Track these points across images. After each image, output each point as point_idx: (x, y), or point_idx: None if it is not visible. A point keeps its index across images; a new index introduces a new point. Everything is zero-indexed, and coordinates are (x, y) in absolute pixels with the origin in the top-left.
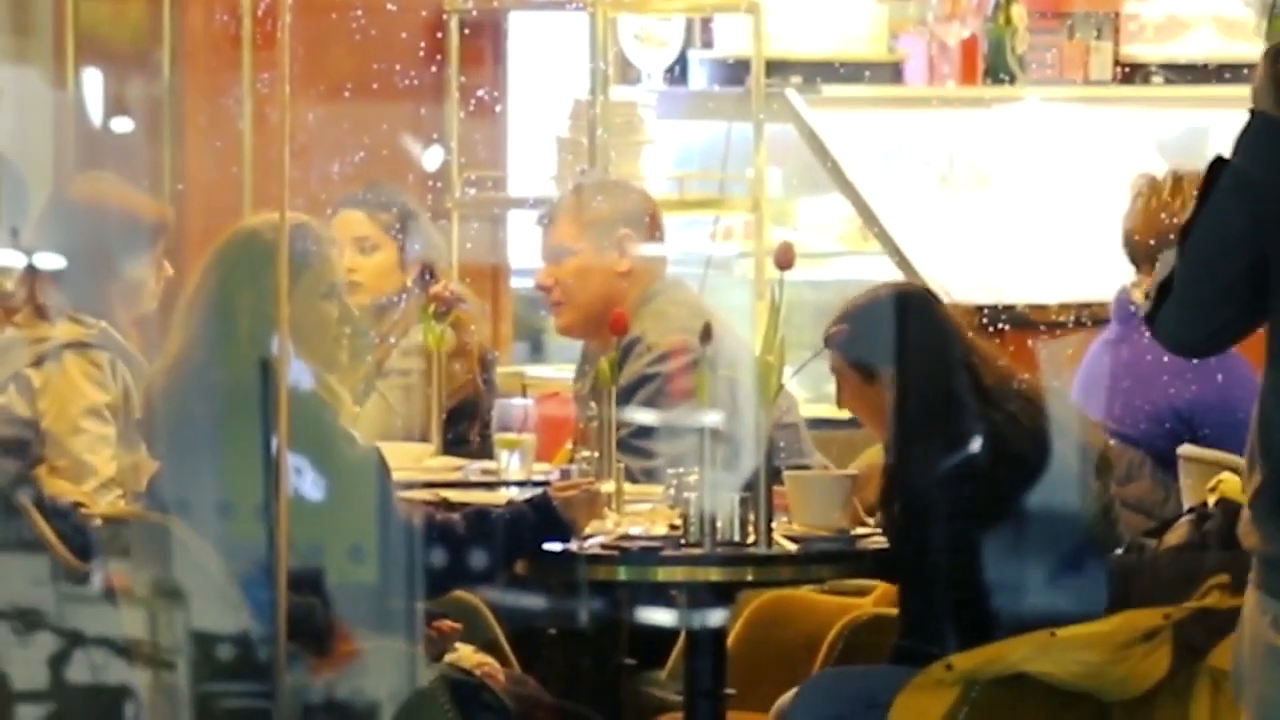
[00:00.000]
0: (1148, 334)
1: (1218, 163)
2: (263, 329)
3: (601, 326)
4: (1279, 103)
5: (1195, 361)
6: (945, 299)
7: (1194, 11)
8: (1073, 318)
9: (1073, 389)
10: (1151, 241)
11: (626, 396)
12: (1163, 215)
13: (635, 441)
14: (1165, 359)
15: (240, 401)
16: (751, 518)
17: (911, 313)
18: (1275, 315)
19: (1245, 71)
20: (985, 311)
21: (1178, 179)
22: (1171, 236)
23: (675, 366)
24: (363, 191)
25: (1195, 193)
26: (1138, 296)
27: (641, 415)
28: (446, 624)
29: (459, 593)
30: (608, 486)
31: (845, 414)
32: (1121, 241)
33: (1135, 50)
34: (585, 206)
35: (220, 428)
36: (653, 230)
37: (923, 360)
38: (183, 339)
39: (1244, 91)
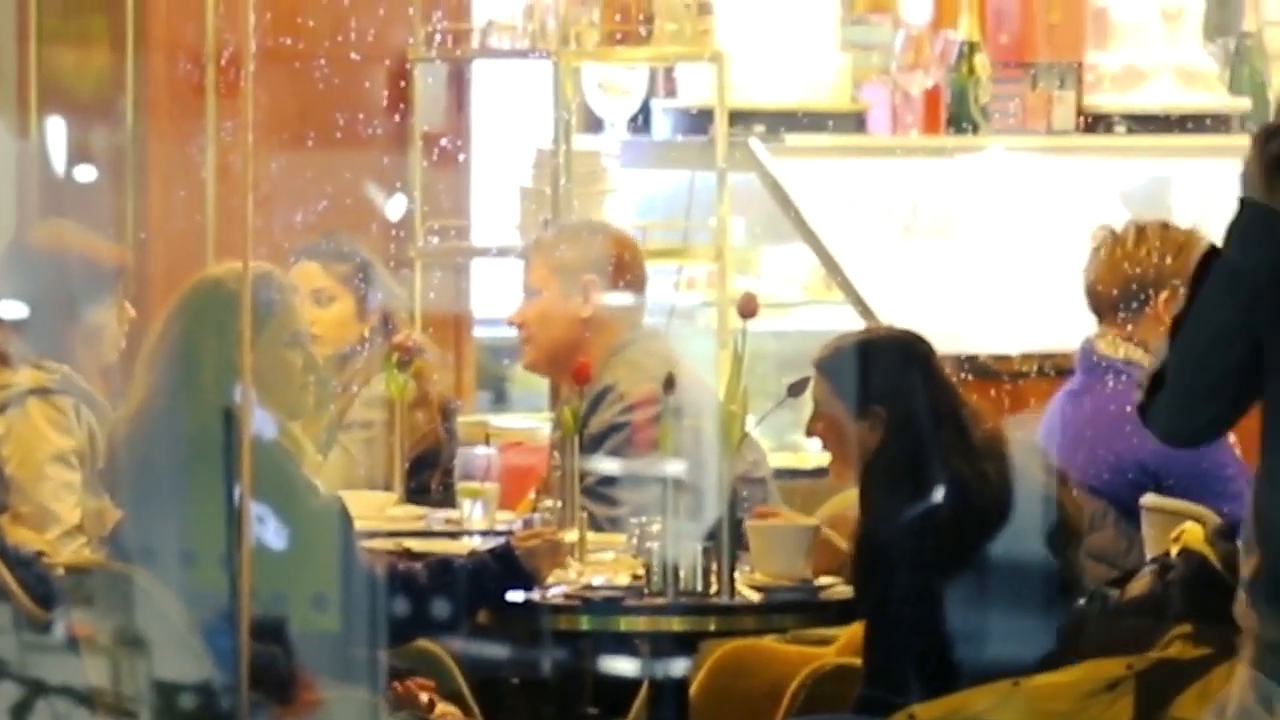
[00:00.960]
0: (1111, 385)
1: (1210, 254)
2: (226, 378)
3: (565, 370)
4: (1270, 189)
5: None
6: None
7: (1156, 62)
8: (1035, 368)
9: (1036, 439)
10: (1114, 292)
11: (595, 444)
12: (1125, 265)
13: (602, 489)
14: (1129, 410)
15: (203, 450)
16: (714, 567)
17: (910, 359)
18: (1270, 401)
19: (1207, 122)
20: (948, 361)
21: (1139, 229)
22: (1134, 286)
23: (643, 416)
24: (319, 242)
25: (1158, 243)
26: (1102, 348)
27: (609, 464)
28: (418, 681)
29: (422, 642)
30: (570, 535)
31: (809, 464)
32: (1084, 292)
33: (1098, 100)
34: (556, 249)
35: (183, 476)
36: (628, 279)
37: (913, 408)
38: (146, 387)
39: (1206, 142)
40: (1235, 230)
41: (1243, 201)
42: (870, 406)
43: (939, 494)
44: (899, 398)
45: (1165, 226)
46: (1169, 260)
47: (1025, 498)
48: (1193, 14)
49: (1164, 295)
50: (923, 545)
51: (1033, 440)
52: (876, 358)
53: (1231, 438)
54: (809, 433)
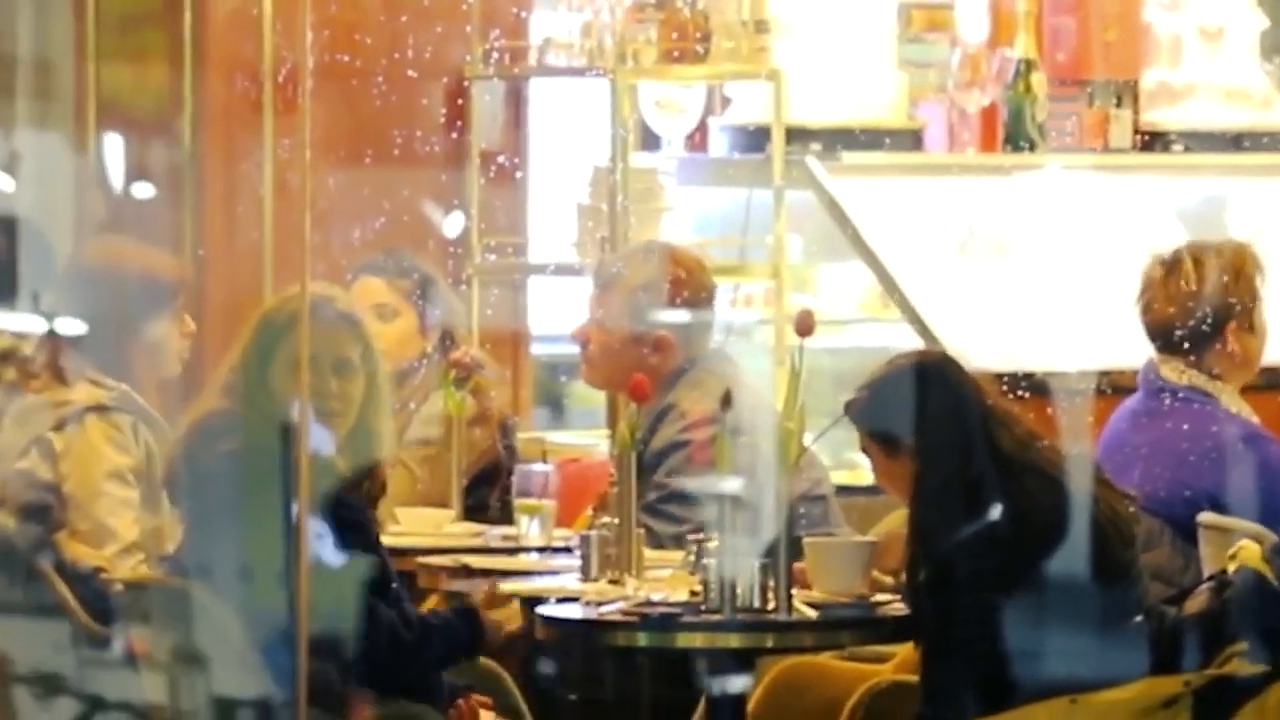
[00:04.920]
0: (1173, 409)
1: None
2: (284, 396)
3: (624, 387)
4: None
5: (1223, 438)
6: (965, 365)
7: (1214, 80)
8: (1092, 385)
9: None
10: (1176, 324)
11: (656, 462)
12: (1184, 296)
13: (661, 506)
14: (1190, 432)
15: (261, 467)
16: (771, 584)
17: (928, 382)
18: None
19: (1264, 140)
20: (1004, 379)
21: (1194, 258)
22: (1197, 316)
23: (703, 434)
24: (381, 258)
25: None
26: (1166, 373)
27: (668, 481)
28: (476, 698)
29: (482, 660)
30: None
31: (866, 480)
32: (1143, 325)
33: (1155, 118)
34: (627, 274)
35: (242, 493)
36: (694, 300)
37: (940, 428)
38: (208, 403)
39: (1263, 160)
40: None
41: None
42: (900, 441)
43: (983, 513)
44: (920, 423)
45: (1218, 250)
46: (1229, 283)
47: (1077, 512)
48: (1239, 32)
49: (1231, 324)
50: (972, 565)
51: (1086, 454)
52: (890, 392)
53: None
54: (876, 480)
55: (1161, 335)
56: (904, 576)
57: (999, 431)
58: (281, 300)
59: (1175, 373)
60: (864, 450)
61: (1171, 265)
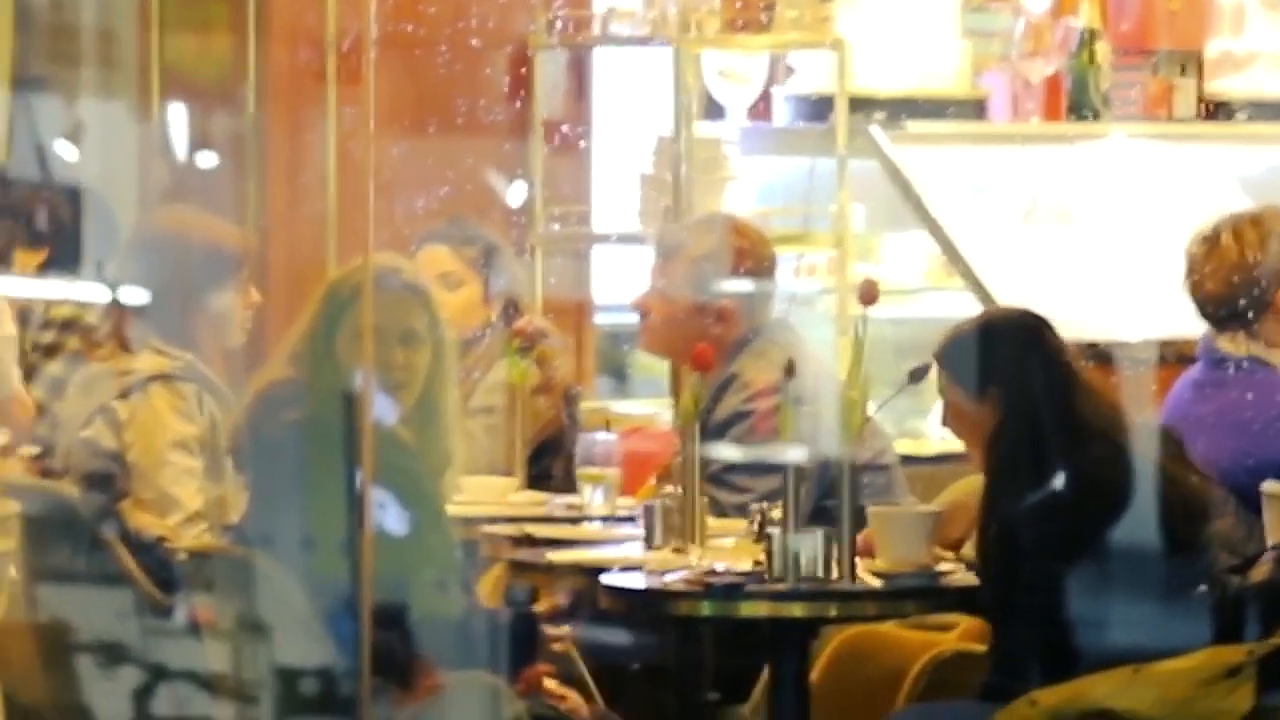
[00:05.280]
0: (1235, 379)
1: None
2: (348, 365)
3: (686, 356)
4: None
5: None
6: None
7: (1262, 48)
8: (1156, 354)
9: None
10: (1226, 299)
11: (720, 431)
12: (1230, 271)
13: (726, 476)
14: (1254, 402)
15: (325, 437)
16: (835, 553)
17: (1023, 339)
18: None
19: None
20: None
21: (1234, 231)
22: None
23: (767, 404)
24: (445, 227)
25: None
26: (1223, 345)
27: (732, 450)
28: (540, 667)
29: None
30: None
31: (930, 450)
32: (1194, 302)
33: (1219, 87)
34: (689, 244)
35: (305, 462)
36: (757, 270)
37: (1025, 384)
38: (273, 373)
39: None
40: None
41: None
42: (986, 389)
43: (1058, 475)
44: (1013, 377)
45: (1254, 219)
46: (1274, 250)
47: (1146, 480)
48: None
49: (1278, 291)
50: (1045, 527)
51: (1155, 423)
52: (989, 340)
53: None
54: (943, 423)
55: (1212, 311)
56: (975, 534)
57: (1083, 398)
58: (349, 270)
59: (1233, 344)
60: (941, 393)
61: (1212, 241)
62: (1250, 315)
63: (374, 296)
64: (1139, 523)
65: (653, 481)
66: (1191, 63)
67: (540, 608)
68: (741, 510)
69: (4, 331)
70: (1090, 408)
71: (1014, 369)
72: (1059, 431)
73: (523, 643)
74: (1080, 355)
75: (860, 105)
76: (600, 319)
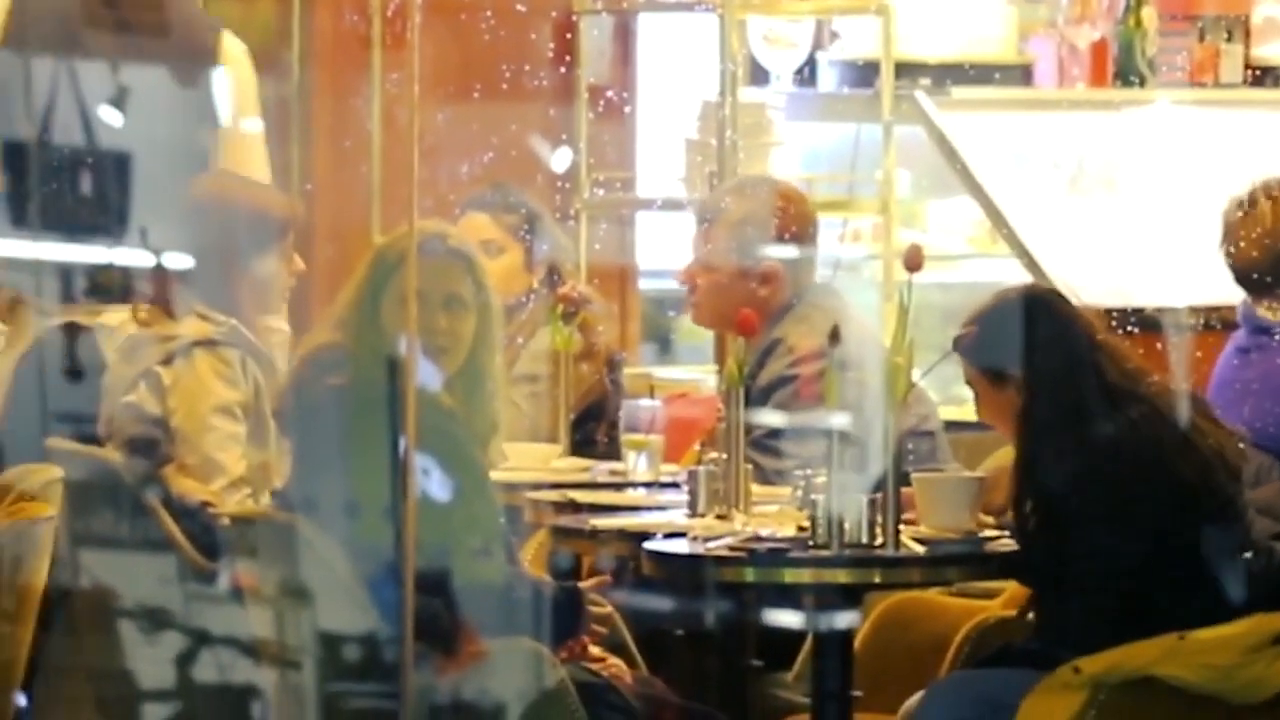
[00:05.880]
0: (1277, 345)
1: None
2: (393, 330)
3: (733, 324)
4: None
5: None
6: (1073, 301)
7: None
8: (1202, 321)
9: (1207, 392)
10: (1262, 266)
11: (763, 397)
12: (1266, 237)
13: (769, 442)
14: None
15: (369, 402)
16: (879, 519)
17: (1034, 315)
18: None
19: None
20: (1114, 315)
21: (1270, 196)
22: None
23: (810, 370)
24: (488, 193)
25: None
26: (1261, 312)
27: (775, 417)
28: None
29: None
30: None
31: (974, 416)
32: (1230, 270)
33: (1266, 53)
34: (730, 209)
35: (348, 428)
36: (800, 234)
37: (1047, 362)
38: (322, 337)
39: None
40: None
41: None
42: (1006, 373)
43: (1089, 445)
44: (1027, 356)
45: None
46: None
47: (1182, 445)
48: None
49: None
50: (1080, 497)
51: (1190, 389)
52: (997, 325)
53: None
54: (978, 415)
55: (1248, 278)
56: (1010, 512)
57: (1105, 364)
58: (396, 236)
59: (1270, 311)
60: (969, 384)
61: (1248, 207)
62: None
63: (419, 262)
64: (1178, 487)
65: (696, 447)
66: (1238, 28)
67: (585, 584)
68: (785, 476)
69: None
70: (1116, 374)
71: (1028, 348)
72: (1087, 400)
73: (566, 612)
74: (1103, 322)
75: (906, 71)
76: (644, 285)
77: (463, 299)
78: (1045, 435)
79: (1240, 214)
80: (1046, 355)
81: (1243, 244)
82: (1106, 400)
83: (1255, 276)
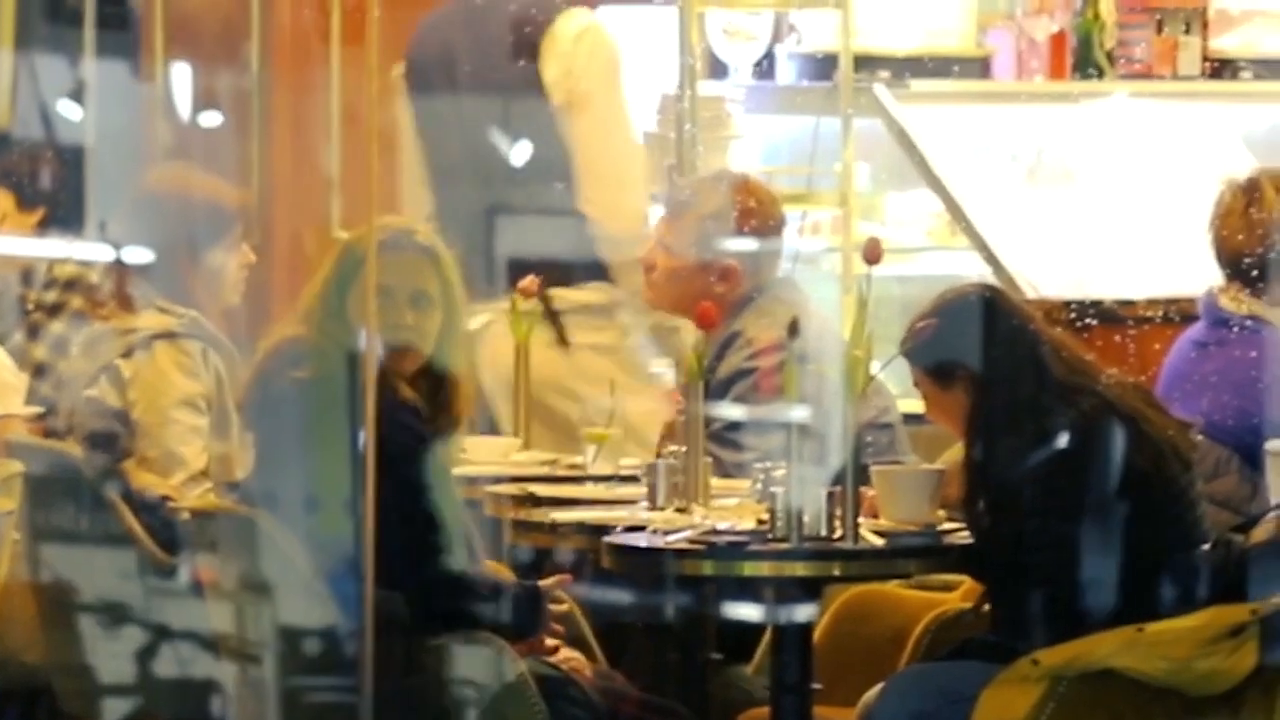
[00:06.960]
0: (1237, 338)
1: None
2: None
3: (687, 314)
4: None
5: None
6: (1032, 294)
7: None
8: (1160, 313)
9: (1159, 384)
10: (1244, 249)
11: (722, 390)
12: (1255, 222)
13: (728, 435)
14: (1257, 360)
15: (333, 396)
16: (839, 512)
17: (977, 314)
18: None
19: None
20: (1072, 307)
21: (1273, 181)
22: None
23: (769, 362)
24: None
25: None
26: (1224, 302)
27: (734, 409)
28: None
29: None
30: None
31: None
32: (1212, 248)
33: (1224, 45)
34: (699, 202)
35: (312, 421)
36: (762, 228)
37: (992, 358)
38: (287, 330)
39: None
40: None
41: None
42: (954, 374)
43: (1038, 440)
44: (968, 356)
45: None
46: None
47: (1132, 437)
48: None
49: None
50: (1030, 492)
51: (1139, 380)
52: (944, 325)
53: None
54: (927, 416)
55: (1232, 262)
56: (963, 508)
57: (1050, 358)
58: (363, 231)
59: (1233, 301)
60: (917, 386)
61: (1251, 192)
62: (1265, 271)
63: (386, 257)
64: (1135, 482)
65: (655, 440)
66: (1196, 20)
67: (546, 582)
68: (744, 469)
69: None
70: (1062, 368)
71: (975, 346)
72: (1035, 394)
73: (527, 610)
74: (1058, 315)
75: (864, 64)
76: None
77: (429, 295)
78: (995, 432)
79: (1242, 198)
80: (991, 352)
81: (1237, 228)
82: (1054, 394)
83: (1240, 261)
